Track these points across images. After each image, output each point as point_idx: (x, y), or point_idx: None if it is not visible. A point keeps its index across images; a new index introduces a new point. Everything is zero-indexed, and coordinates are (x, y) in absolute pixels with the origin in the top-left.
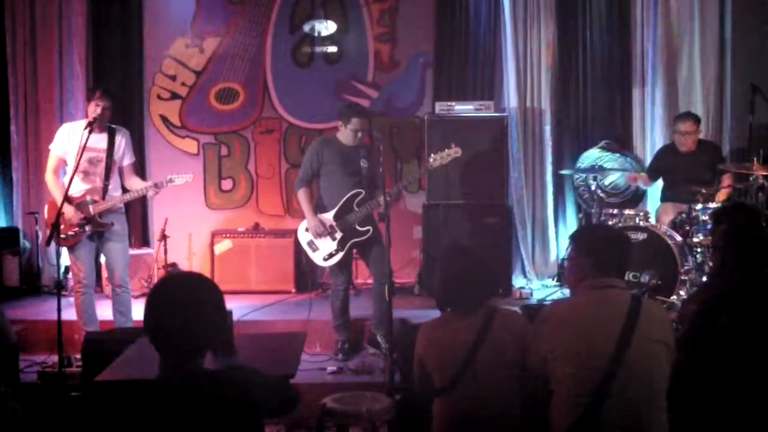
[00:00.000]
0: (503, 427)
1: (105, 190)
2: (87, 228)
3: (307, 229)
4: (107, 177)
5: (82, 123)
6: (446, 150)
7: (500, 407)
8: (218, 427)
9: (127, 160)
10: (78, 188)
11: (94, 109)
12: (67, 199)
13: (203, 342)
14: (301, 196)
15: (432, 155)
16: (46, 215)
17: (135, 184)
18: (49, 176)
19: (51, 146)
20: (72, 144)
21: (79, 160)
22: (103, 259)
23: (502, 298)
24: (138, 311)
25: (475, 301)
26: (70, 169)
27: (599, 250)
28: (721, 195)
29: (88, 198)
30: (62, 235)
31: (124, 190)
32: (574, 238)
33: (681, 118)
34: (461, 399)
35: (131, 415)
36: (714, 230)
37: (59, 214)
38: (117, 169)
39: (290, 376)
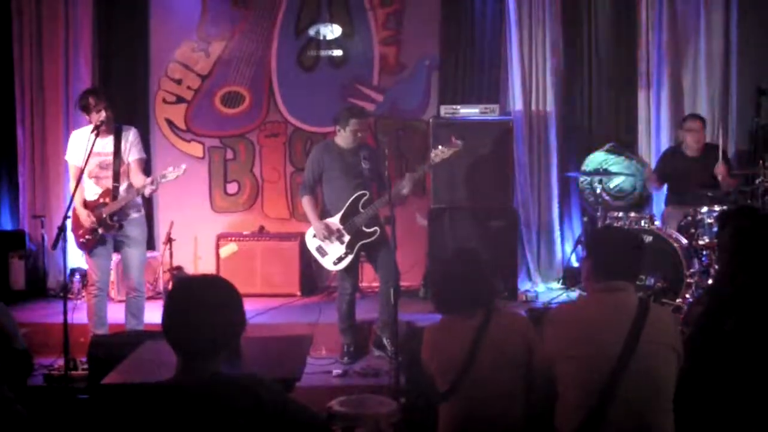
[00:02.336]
0: (508, 429)
1: (115, 191)
2: (100, 230)
3: (314, 235)
4: (116, 179)
5: (90, 128)
6: (447, 144)
7: (504, 409)
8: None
9: (133, 156)
10: (93, 193)
11: (98, 117)
12: (85, 204)
13: (222, 342)
14: (306, 203)
15: (433, 150)
16: (70, 225)
17: (137, 180)
18: (72, 186)
19: (66, 157)
20: (81, 150)
21: (85, 165)
22: (113, 261)
23: (507, 301)
24: (147, 314)
25: (472, 304)
26: (84, 175)
27: (608, 252)
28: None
29: (101, 201)
30: (81, 239)
31: None
32: (586, 239)
33: (690, 117)
34: (464, 402)
35: (141, 417)
36: (720, 233)
37: (65, 217)
38: (127, 170)
39: (296, 379)
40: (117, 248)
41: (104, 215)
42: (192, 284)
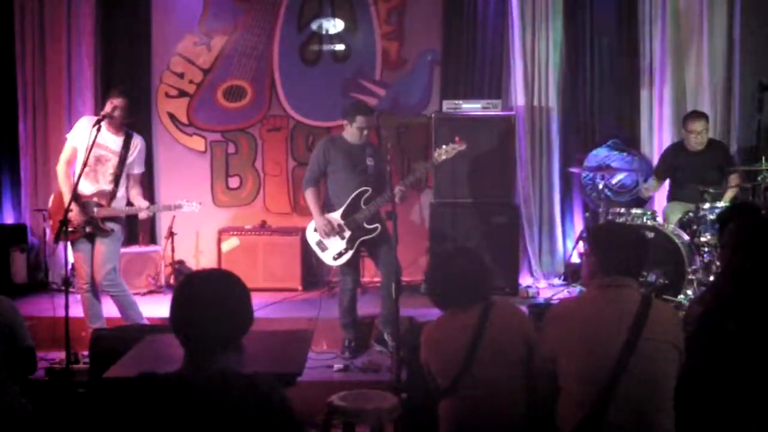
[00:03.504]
0: (508, 426)
1: (113, 195)
2: (87, 229)
3: (315, 230)
4: (116, 182)
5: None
6: (451, 144)
7: (505, 406)
8: (232, 429)
9: (137, 170)
10: (84, 186)
11: (107, 106)
12: (75, 196)
13: (230, 337)
14: (309, 196)
15: (436, 149)
16: (50, 204)
17: (136, 196)
18: (61, 167)
19: (68, 135)
20: (86, 137)
21: (88, 156)
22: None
23: (509, 297)
24: (148, 308)
25: (467, 300)
26: (79, 163)
27: (611, 249)
28: (728, 195)
29: (95, 200)
30: (59, 227)
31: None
32: (589, 235)
33: (693, 117)
34: (465, 398)
35: (147, 409)
36: (722, 230)
37: (67, 211)
38: (126, 177)
39: (297, 374)
40: (91, 239)
41: (96, 216)
42: (201, 278)
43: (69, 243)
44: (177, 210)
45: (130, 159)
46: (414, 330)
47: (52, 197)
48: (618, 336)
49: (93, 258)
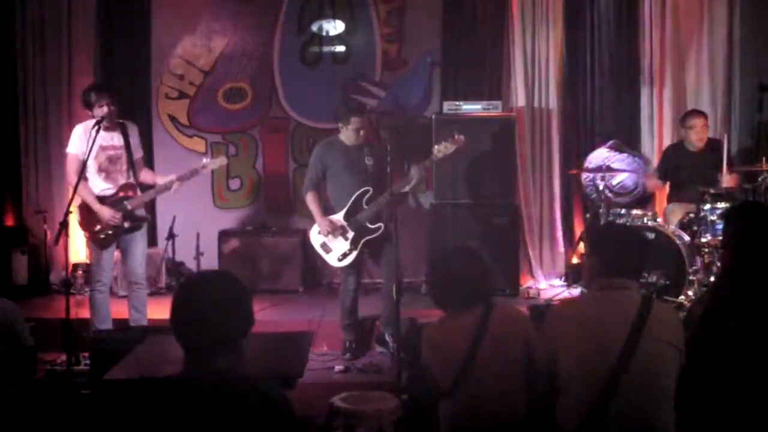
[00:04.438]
0: (509, 426)
1: (135, 185)
2: (126, 224)
3: (319, 232)
4: (134, 173)
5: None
6: (450, 139)
7: (506, 406)
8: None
9: (139, 154)
10: (106, 187)
11: (100, 111)
12: (101, 200)
13: (230, 339)
14: (310, 200)
15: (436, 146)
16: (79, 219)
17: (147, 176)
18: (73, 181)
19: (68, 149)
20: (87, 145)
21: (87, 157)
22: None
23: (509, 298)
24: (148, 310)
25: (469, 300)
26: (90, 170)
27: (612, 250)
28: (731, 181)
29: (121, 195)
30: (101, 236)
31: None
32: (590, 236)
33: (692, 114)
34: (466, 399)
35: (147, 412)
36: (724, 230)
37: (67, 212)
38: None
39: (298, 376)
40: (121, 241)
41: (130, 208)
42: (201, 280)
43: (99, 246)
44: (204, 171)
45: (134, 146)
46: (415, 331)
47: (78, 213)
48: (619, 336)
49: (132, 255)
